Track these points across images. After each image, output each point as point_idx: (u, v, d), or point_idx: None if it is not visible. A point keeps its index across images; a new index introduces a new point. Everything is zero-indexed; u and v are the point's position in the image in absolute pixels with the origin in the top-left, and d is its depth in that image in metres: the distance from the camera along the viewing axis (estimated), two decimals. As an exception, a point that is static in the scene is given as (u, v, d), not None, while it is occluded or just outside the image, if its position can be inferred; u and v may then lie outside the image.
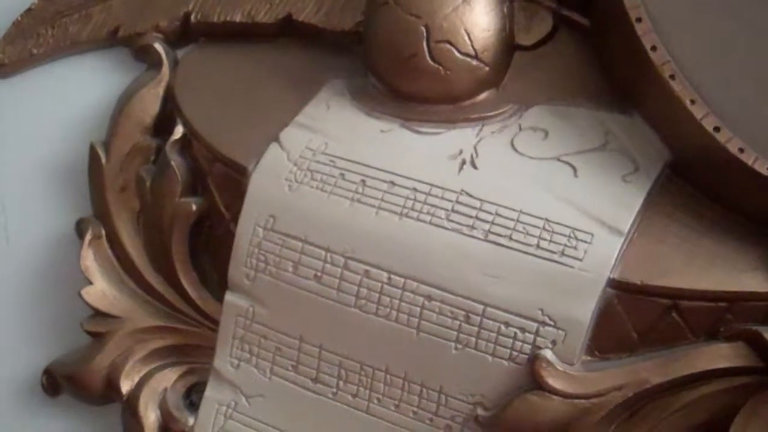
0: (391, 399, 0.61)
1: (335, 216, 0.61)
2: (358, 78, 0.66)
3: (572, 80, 0.64)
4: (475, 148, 0.61)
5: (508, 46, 0.64)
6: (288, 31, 0.70)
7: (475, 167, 0.61)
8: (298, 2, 0.69)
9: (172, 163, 0.67)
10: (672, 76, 0.57)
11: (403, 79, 0.63)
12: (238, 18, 0.70)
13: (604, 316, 0.57)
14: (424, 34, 0.62)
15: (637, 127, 0.61)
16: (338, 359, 0.62)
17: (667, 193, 0.59)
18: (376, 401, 0.61)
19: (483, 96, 0.64)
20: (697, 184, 0.59)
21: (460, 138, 0.62)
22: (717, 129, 0.56)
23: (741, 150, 0.55)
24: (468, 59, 0.62)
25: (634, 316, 0.57)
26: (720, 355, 0.55)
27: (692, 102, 0.56)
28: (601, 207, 0.58)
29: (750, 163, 0.55)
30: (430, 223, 0.59)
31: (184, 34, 0.72)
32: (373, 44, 0.65)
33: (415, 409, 0.60)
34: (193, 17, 0.71)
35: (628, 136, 0.61)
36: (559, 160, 0.60)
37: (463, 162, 0.61)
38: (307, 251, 0.61)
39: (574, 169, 0.60)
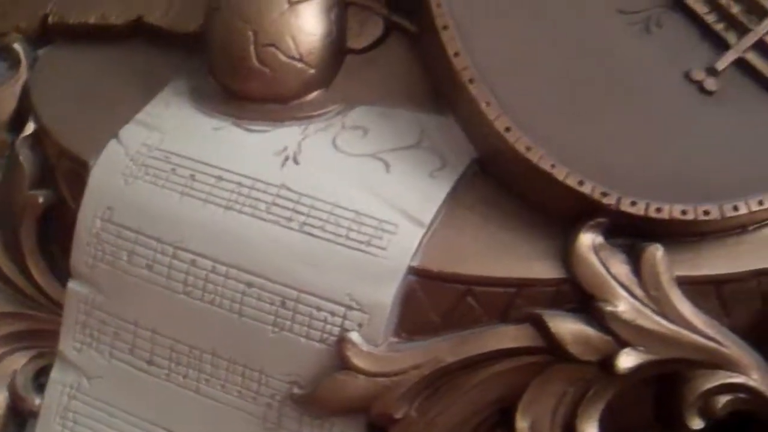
0: (218, 380, 0.64)
1: (166, 208, 0.65)
2: (199, 78, 0.70)
3: (398, 82, 0.68)
4: (299, 144, 0.65)
5: (336, 50, 0.68)
6: (139, 33, 0.73)
7: (296, 163, 0.65)
8: (149, 4, 0.73)
9: (21, 157, 0.70)
10: (471, 80, 0.61)
11: (235, 80, 0.67)
12: (92, 20, 0.74)
13: (408, 301, 0.61)
14: (252, 39, 0.66)
15: (450, 127, 0.65)
16: (170, 342, 0.65)
17: (471, 188, 0.63)
18: (204, 382, 0.65)
19: (311, 96, 0.68)
20: (498, 179, 0.63)
21: (286, 135, 0.66)
22: (508, 129, 0.60)
23: (528, 148, 0.60)
24: (293, 62, 0.66)
25: (433, 300, 0.61)
26: (507, 336, 0.60)
27: (487, 104, 0.61)
28: (408, 200, 0.62)
29: (535, 160, 0.59)
30: (252, 215, 0.63)
31: (43, 35, 0.76)
32: (210, 46, 0.68)
33: (239, 389, 0.64)
34: (50, 19, 0.75)
35: (441, 135, 0.65)
36: (374, 156, 0.64)
37: (287, 158, 0.65)
38: (140, 241, 0.65)
39: (387, 165, 0.64)
